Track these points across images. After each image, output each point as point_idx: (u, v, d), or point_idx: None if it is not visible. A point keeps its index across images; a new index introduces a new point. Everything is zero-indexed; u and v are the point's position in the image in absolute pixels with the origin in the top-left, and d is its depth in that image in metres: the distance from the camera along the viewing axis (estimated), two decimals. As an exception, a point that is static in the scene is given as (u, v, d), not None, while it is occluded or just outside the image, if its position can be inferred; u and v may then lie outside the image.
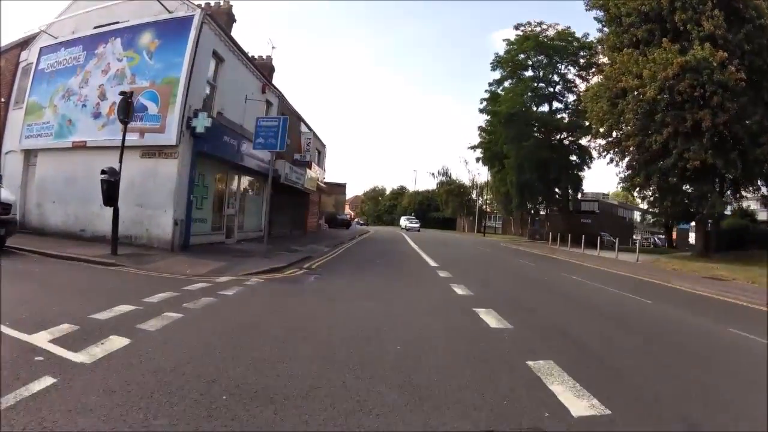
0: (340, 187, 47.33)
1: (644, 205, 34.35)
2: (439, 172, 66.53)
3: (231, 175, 14.79)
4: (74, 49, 12.62)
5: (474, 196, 61.08)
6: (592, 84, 24.77)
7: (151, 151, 10.97)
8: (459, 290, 7.63)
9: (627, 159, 21.03)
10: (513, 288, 9.19)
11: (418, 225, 47.38)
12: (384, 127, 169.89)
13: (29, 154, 13.22)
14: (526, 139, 33.01)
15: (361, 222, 60.33)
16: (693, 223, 25.35)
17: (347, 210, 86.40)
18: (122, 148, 9.27)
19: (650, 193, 21.18)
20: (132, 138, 10.15)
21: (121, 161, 9.12)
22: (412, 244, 22.33)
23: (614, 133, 21.09)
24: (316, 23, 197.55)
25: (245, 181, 16.27)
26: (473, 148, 41.88)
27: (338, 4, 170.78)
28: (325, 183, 42.90)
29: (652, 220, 41.21)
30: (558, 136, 35.58)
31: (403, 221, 49.01)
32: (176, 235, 10.65)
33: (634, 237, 43.36)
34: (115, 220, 9.03)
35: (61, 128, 12.28)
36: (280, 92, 18.36)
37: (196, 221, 11.97)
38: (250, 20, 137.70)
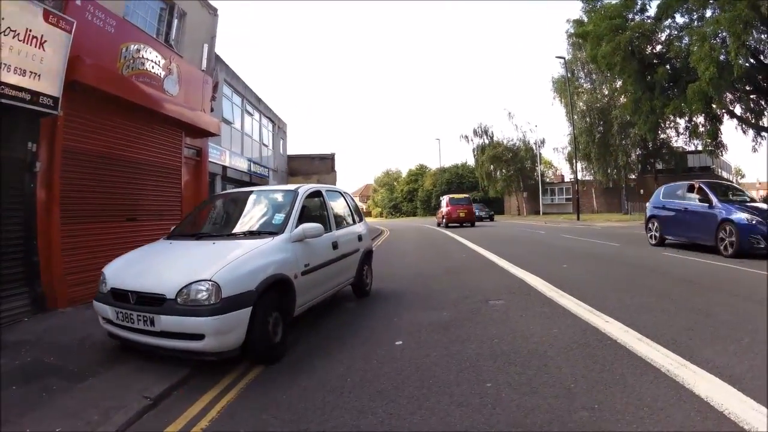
0: (324, 161, 29.37)
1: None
2: (476, 133, 45.80)
3: None
4: None
5: (537, 154, 41.18)
6: None
7: None
8: None
9: None
10: None
11: None
12: (392, 95, 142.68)
13: None
14: None
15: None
16: None
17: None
18: None
19: None
20: None
21: None
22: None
23: None
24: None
25: None
26: (579, 36, 23.46)
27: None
28: (297, 156, 27.44)
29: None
30: None
31: None
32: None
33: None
34: None
35: None
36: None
37: None
38: None
